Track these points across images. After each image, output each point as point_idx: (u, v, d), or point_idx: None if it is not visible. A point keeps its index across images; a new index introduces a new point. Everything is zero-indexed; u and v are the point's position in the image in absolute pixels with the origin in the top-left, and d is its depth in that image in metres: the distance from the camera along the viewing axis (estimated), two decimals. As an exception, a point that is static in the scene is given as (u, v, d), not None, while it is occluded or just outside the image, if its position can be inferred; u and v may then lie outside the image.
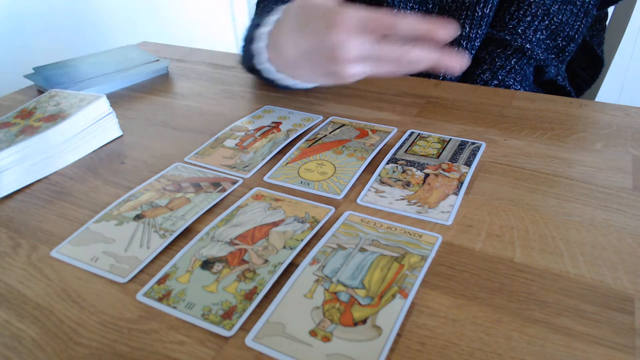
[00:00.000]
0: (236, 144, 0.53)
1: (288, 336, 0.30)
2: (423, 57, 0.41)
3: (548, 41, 0.67)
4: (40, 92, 0.71)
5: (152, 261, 0.37)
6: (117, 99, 0.68)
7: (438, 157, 0.48)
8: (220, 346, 0.30)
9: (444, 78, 0.70)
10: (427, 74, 0.72)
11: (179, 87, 0.71)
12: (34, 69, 0.74)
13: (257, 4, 0.71)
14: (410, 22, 0.40)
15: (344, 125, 0.56)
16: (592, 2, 0.66)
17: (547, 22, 0.66)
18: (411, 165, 0.47)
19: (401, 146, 0.51)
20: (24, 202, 0.46)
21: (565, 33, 0.67)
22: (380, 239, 0.38)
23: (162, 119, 0.62)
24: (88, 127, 0.54)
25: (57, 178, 0.50)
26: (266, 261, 0.36)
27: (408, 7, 0.69)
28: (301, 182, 0.46)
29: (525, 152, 0.49)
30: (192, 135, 0.56)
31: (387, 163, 0.48)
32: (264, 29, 0.49)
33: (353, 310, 0.32)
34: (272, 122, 0.58)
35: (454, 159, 0.48)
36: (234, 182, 0.47)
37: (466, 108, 0.59)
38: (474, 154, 0.49)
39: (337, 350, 0.29)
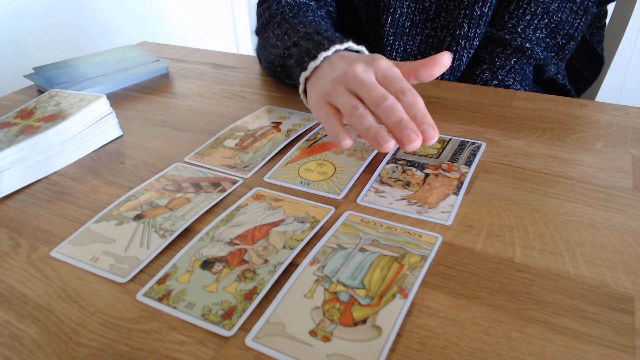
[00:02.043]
0: (236, 144, 0.53)
1: (288, 336, 0.30)
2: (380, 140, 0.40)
3: (548, 40, 0.67)
4: (40, 92, 0.71)
5: (152, 261, 0.37)
6: (117, 99, 0.68)
7: (438, 157, 0.48)
8: (220, 346, 0.30)
9: (443, 78, 0.70)
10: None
11: (179, 87, 0.71)
12: (34, 69, 0.74)
13: (260, 3, 0.71)
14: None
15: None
16: (591, 0, 0.66)
17: (546, 20, 0.66)
18: (411, 165, 0.47)
19: (401, 146, 0.51)
20: (24, 202, 0.46)
21: (565, 31, 0.67)
22: (380, 239, 0.38)
23: (162, 119, 0.62)
24: (88, 127, 0.54)
25: (57, 178, 0.50)
26: (266, 261, 0.36)
27: (405, 6, 0.69)
28: (301, 182, 0.46)
29: (525, 152, 0.49)
30: (192, 135, 0.56)
31: (387, 163, 0.48)
32: (303, 75, 0.51)
33: (353, 310, 0.32)
34: (272, 122, 0.58)
35: (454, 159, 0.48)
36: (234, 182, 0.47)
37: (466, 108, 0.59)
38: (474, 154, 0.49)
39: (337, 350, 0.29)
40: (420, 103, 0.40)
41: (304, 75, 0.51)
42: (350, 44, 0.51)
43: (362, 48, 0.52)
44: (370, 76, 0.43)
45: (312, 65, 0.49)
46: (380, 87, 0.42)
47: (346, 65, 0.45)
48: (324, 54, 0.49)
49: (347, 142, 0.42)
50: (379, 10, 0.70)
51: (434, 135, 0.39)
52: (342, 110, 0.44)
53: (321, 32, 0.54)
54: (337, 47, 0.50)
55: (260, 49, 0.69)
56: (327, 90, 0.46)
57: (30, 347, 0.31)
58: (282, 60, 0.57)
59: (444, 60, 0.43)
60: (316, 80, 0.49)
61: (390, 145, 0.39)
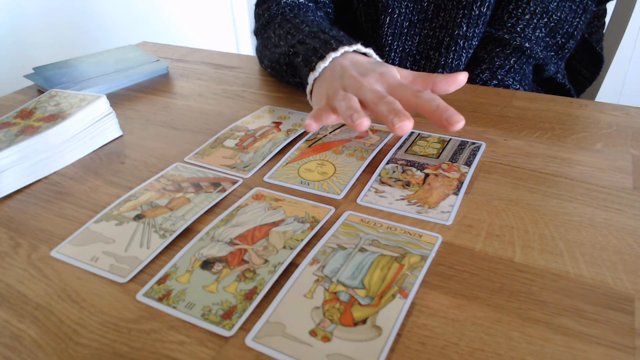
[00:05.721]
0: (236, 144, 0.53)
1: (288, 336, 0.30)
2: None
3: (547, 39, 0.67)
4: (40, 92, 0.71)
5: (152, 261, 0.37)
6: (117, 99, 0.68)
7: (438, 157, 0.48)
8: (220, 346, 0.30)
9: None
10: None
11: (179, 87, 0.71)
12: (34, 69, 0.74)
13: (258, 4, 0.71)
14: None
15: (344, 125, 0.56)
16: None
17: (546, 19, 0.66)
18: (411, 165, 0.47)
19: (401, 146, 0.51)
20: (24, 202, 0.46)
21: (564, 30, 0.67)
22: (380, 239, 0.38)
23: (162, 119, 0.62)
24: (88, 127, 0.54)
25: (57, 178, 0.50)
26: (266, 261, 0.36)
27: (403, 6, 0.69)
28: (301, 182, 0.46)
29: (525, 152, 0.49)
30: (192, 135, 0.56)
31: (387, 163, 0.48)
32: (312, 75, 0.51)
33: (353, 310, 0.32)
34: (272, 122, 0.58)
35: (454, 159, 0.48)
36: (234, 182, 0.47)
37: (466, 108, 0.59)
38: (474, 154, 0.49)
39: (337, 350, 0.29)
40: (439, 97, 0.42)
41: (312, 76, 0.51)
42: (358, 46, 0.51)
43: (370, 51, 0.52)
44: (380, 87, 0.45)
45: (321, 66, 0.50)
46: (388, 95, 0.43)
47: (359, 76, 0.46)
48: (332, 55, 0.50)
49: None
50: (378, 10, 0.70)
51: (460, 120, 0.40)
52: (340, 111, 0.44)
53: (326, 30, 0.54)
54: (346, 48, 0.50)
55: (262, 49, 0.69)
56: (334, 93, 0.46)
57: (30, 347, 0.31)
58: (288, 58, 0.57)
59: (461, 78, 0.45)
60: (324, 81, 0.49)
61: (363, 124, 0.40)
